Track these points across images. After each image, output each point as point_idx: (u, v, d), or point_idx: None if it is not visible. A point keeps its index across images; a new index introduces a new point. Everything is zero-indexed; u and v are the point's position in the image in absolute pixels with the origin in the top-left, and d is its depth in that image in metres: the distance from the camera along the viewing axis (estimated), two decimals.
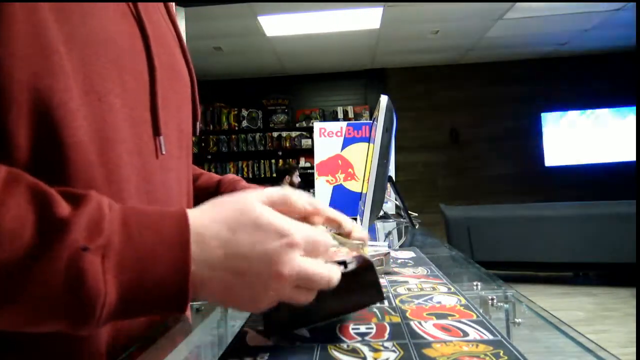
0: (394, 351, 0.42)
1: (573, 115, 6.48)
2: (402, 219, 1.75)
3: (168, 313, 0.40)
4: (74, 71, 0.43)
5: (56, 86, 0.41)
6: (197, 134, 0.69)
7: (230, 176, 0.85)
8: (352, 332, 0.47)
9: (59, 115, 0.41)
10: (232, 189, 0.80)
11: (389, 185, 1.49)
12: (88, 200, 0.38)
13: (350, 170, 1.77)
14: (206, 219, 0.40)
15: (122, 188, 0.47)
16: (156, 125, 0.53)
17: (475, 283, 0.65)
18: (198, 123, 0.68)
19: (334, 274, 0.43)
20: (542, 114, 6.50)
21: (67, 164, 0.42)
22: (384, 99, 1.15)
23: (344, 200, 1.76)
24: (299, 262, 0.40)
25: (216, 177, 0.85)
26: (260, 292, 0.40)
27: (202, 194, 0.73)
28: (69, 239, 0.35)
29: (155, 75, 0.52)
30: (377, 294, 0.46)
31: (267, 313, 0.44)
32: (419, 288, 0.64)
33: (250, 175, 6.65)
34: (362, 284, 0.45)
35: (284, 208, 0.44)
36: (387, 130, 1.13)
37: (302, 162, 6.54)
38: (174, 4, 0.66)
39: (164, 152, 0.54)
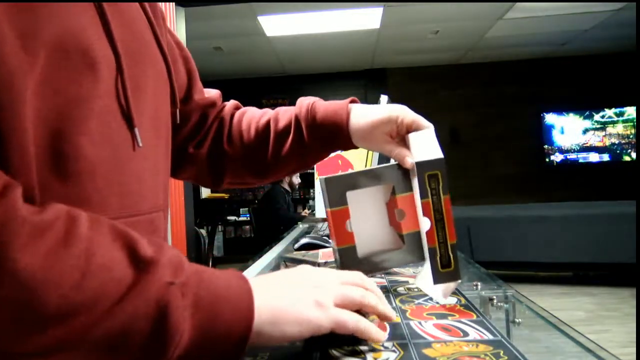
0: (394, 351, 0.42)
1: (573, 115, 6.48)
2: None
3: None
4: (29, 63, 0.40)
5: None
6: (178, 121, 0.66)
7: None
8: None
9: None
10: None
11: None
12: (166, 244, 0.42)
13: (350, 170, 1.76)
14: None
15: (83, 180, 0.45)
16: (129, 116, 0.50)
17: (475, 283, 0.65)
18: (178, 111, 0.66)
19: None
20: (542, 114, 6.50)
21: (8, 150, 0.40)
22: (384, 99, 1.15)
23: None
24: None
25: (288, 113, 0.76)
26: (305, 297, 0.44)
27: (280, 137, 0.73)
28: (158, 273, 0.38)
29: (122, 63, 0.49)
30: None
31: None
32: (419, 288, 0.64)
33: None
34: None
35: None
36: None
37: None
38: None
39: (140, 145, 0.52)
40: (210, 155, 0.78)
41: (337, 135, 0.70)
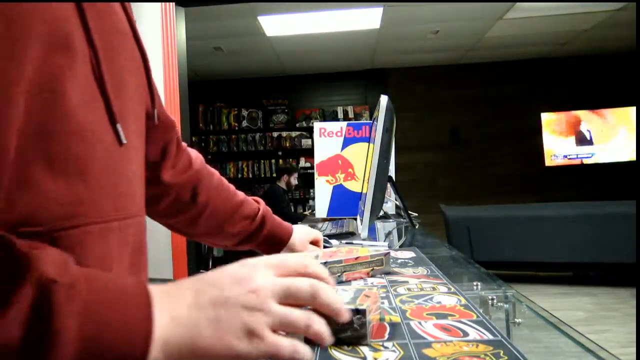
0: (394, 351, 0.42)
1: (573, 115, 6.47)
2: (402, 219, 1.75)
3: None
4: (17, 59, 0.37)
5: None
6: (156, 121, 0.64)
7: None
8: None
9: None
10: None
11: (389, 185, 1.49)
12: (47, 246, 0.35)
13: (350, 170, 1.77)
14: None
15: (73, 181, 0.43)
16: (111, 111, 0.47)
17: (475, 283, 0.65)
18: (156, 110, 0.63)
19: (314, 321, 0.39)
20: (542, 114, 6.50)
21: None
22: (384, 99, 1.15)
23: (344, 200, 1.76)
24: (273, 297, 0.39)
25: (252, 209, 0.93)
26: (236, 321, 0.36)
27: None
28: (39, 270, 0.31)
29: (99, 56, 0.45)
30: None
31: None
32: (419, 288, 0.64)
33: (250, 175, 6.65)
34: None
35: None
36: (387, 130, 1.13)
37: (302, 162, 6.54)
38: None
39: (124, 141, 0.49)
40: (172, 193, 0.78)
41: (278, 247, 0.93)
